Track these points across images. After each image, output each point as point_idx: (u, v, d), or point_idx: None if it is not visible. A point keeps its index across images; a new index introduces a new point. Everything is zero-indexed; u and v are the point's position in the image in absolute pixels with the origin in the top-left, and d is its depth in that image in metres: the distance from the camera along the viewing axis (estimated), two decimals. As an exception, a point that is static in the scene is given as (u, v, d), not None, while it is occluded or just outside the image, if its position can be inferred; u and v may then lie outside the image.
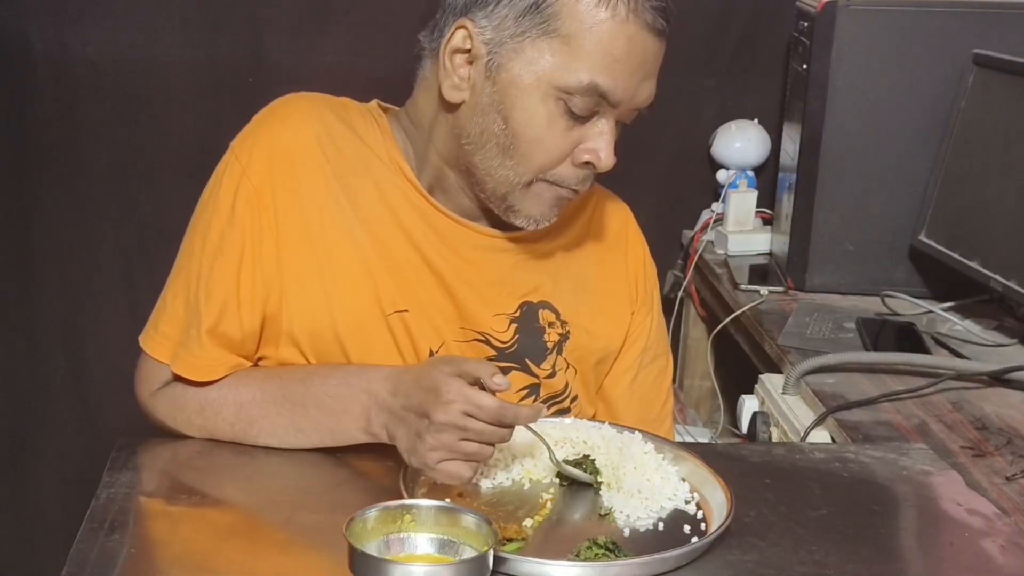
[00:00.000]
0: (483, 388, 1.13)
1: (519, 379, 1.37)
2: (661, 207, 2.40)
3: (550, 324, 1.39)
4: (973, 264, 1.85)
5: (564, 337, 1.40)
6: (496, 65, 1.25)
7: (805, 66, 2.02)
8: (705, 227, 2.38)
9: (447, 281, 1.34)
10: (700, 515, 1.16)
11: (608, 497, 1.18)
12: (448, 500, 1.12)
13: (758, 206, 2.34)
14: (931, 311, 1.96)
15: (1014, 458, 1.42)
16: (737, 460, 1.30)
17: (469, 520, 1.02)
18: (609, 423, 1.31)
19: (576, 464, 1.21)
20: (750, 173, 2.37)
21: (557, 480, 1.21)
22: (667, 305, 1.97)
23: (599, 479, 1.20)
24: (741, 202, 2.31)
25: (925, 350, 1.78)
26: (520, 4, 1.23)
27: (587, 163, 1.28)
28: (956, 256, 1.89)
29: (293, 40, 2.26)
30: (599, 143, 1.27)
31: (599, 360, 1.44)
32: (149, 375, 1.34)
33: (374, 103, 1.41)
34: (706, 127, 2.42)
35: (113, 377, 2.11)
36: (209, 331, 1.29)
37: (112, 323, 2.30)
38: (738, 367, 2.11)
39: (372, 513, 1.01)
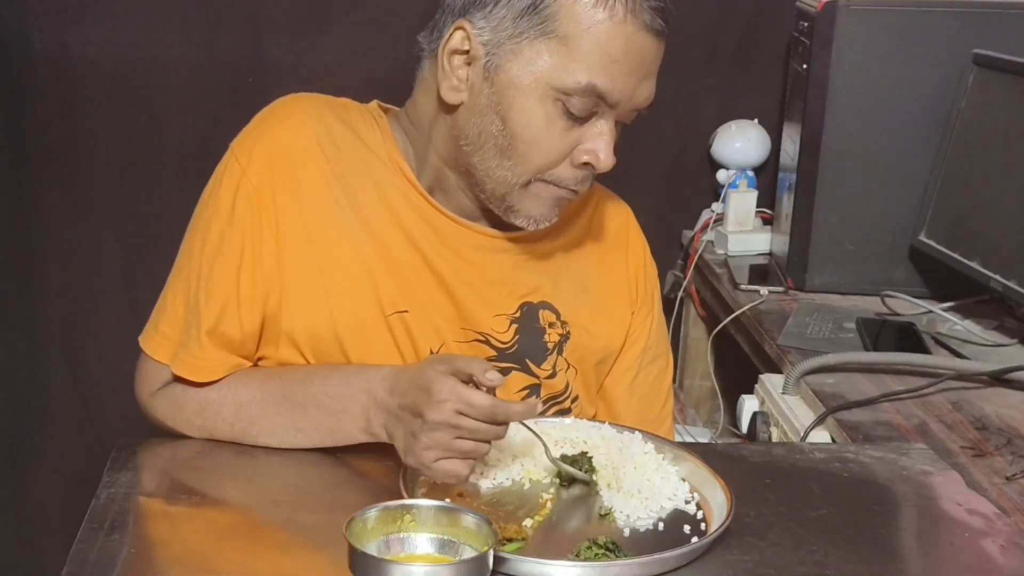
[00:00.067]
0: (477, 385, 1.13)
1: (519, 379, 1.37)
2: (661, 207, 2.39)
3: (550, 324, 1.39)
4: (973, 264, 1.84)
5: (564, 337, 1.40)
6: (494, 66, 1.25)
7: (805, 66, 2.02)
8: (705, 227, 2.38)
9: (447, 281, 1.34)
10: (700, 515, 1.16)
11: (608, 497, 1.18)
12: (448, 500, 1.12)
13: (758, 206, 2.34)
14: (931, 311, 1.96)
15: (1014, 458, 1.42)
16: (737, 460, 1.30)
17: (469, 520, 1.02)
18: (609, 423, 1.31)
19: (573, 460, 1.21)
20: (750, 173, 2.37)
21: (557, 480, 1.21)
22: (667, 305, 1.97)
23: (595, 476, 1.20)
24: (741, 202, 2.31)
25: (925, 350, 1.78)
26: (518, 5, 1.23)
27: (586, 164, 1.28)
28: (956, 256, 1.88)
29: (293, 40, 2.26)
30: (598, 144, 1.27)
31: (599, 360, 1.44)
32: (149, 375, 1.34)
33: (374, 104, 1.41)
34: (706, 127, 2.42)
35: (113, 377, 2.11)
36: (209, 332, 1.29)
37: (112, 323, 2.30)
38: (738, 367, 2.11)
39: (372, 513, 1.01)
